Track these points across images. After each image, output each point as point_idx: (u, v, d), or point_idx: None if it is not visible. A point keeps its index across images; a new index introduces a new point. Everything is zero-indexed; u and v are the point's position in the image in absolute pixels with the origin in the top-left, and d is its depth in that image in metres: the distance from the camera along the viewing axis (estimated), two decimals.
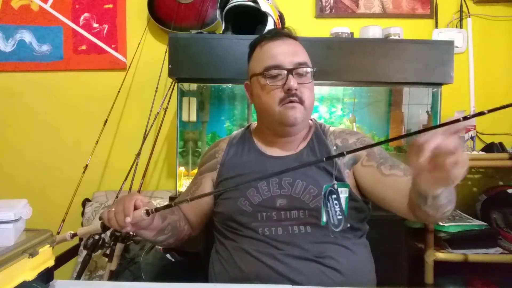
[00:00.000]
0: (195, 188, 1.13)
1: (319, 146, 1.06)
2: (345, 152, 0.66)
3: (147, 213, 0.81)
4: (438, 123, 1.50)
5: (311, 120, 1.16)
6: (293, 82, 0.98)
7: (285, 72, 1.00)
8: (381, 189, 0.96)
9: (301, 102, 1.00)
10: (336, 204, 0.77)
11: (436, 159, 0.59)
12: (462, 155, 0.58)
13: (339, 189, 0.78)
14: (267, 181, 1.00)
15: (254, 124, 1.19)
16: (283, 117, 1.00)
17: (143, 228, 0.89)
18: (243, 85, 1.16)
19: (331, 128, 1.12)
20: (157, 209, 0.81)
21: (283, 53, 1.02)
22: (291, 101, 0.99)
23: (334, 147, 1.05)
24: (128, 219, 0.80)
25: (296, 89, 0.99)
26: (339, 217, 0.75)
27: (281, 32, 1.07)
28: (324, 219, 0.76)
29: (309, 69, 1.03)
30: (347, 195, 0.80)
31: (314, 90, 1.09)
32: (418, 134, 0.58)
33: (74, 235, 0.97)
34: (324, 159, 0.70)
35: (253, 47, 1.10)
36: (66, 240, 0.96)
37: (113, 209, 0.84)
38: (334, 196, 0.76)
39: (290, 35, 1.07)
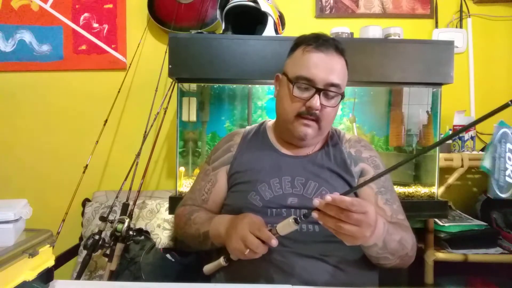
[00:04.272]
0: (211, 185, 1.11)
1: (334, 151, 1.08)
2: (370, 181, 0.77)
3: (296, 221, 0.81)
4: (438, 125, 1.51)
5: None
6: (318, 102, 0.97)
7: (314, 89, 0.98)
8: None
9: (317, 121, 1.00)
10: None
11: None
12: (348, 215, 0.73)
13: None
14: (280, 178, 1.01)
15: (269, 121, 1.20)
16: (295, 130, 1.02)
17: None
18: (275, 76, 1.11)
19: (347, 136, 1.14)
20: (305, 216, 0.80)
21: (320, 68, 0.98)
22: (307, 118, 0.99)
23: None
24: (275, 242, 0.82)
25: (317, 110, 0.98)
26: None
27: (330, 43, 1.00)
28: None
29: (338, 95, 1.01)
30: None
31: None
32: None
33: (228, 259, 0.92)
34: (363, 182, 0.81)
35: (297, 44, 1.05)
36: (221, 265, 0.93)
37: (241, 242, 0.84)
38: None
39: (338, 49, 1.01)
